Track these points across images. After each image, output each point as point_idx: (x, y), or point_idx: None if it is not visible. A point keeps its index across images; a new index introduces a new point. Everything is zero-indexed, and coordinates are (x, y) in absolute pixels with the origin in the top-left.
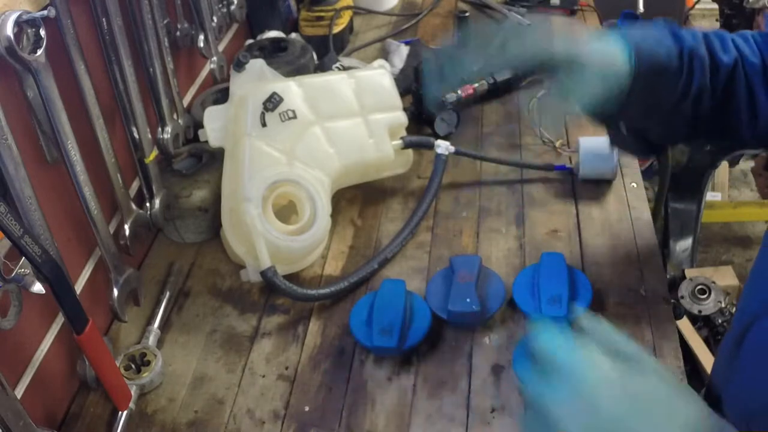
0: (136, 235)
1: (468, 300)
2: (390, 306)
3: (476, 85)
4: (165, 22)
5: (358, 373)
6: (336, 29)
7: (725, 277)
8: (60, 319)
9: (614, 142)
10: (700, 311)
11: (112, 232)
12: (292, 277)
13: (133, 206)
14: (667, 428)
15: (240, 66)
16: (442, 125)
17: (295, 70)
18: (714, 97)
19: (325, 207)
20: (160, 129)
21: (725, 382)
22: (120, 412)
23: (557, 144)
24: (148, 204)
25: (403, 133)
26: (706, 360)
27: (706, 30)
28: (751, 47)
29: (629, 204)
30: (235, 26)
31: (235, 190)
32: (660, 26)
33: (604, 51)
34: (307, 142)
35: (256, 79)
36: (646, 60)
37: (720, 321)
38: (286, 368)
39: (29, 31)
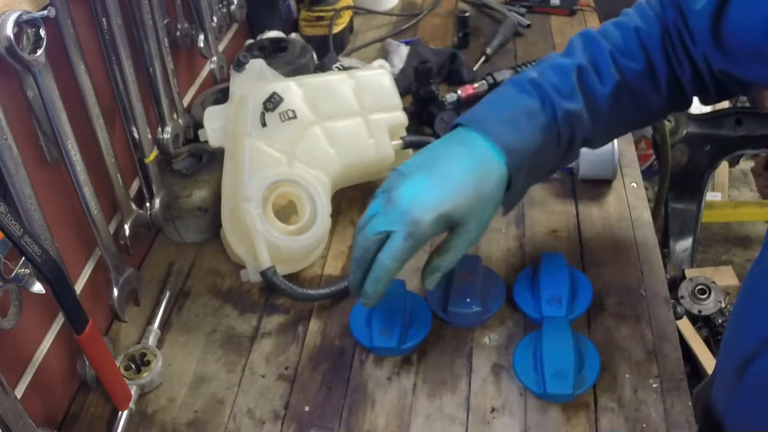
0: (136, 235)
1: (468, 300)
2: (390, 306)
3: (476, 85)
4: (165, 22)
5: (358, 373)
6: (336, 29)
7: (725, 277)
8: (60, 319)
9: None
10: (700, 311)
11: (112, 232)
12: (292, 277)
13: (133, 206)
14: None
15: (240, 66)
16: (442, 125)
17: (295, 70)
18: (601, 127)
19: (325, 207)
20: (160, 129)
21: (727, 408)
22: (120, 412)
23: None
24: (148, 204)
25: (403, 133)
26: (706, 360)
27: (582, 46)
28: (631, 47)
29: (629, 204)
30: (235, 26)
31: (235, 190)
32: (525, 86)
33: (474, 191)
34: (307, 142)
35: (256, 79)
36: (519, 157)
37: (720, 321)
38: (286, 368)
39: (29, 31)
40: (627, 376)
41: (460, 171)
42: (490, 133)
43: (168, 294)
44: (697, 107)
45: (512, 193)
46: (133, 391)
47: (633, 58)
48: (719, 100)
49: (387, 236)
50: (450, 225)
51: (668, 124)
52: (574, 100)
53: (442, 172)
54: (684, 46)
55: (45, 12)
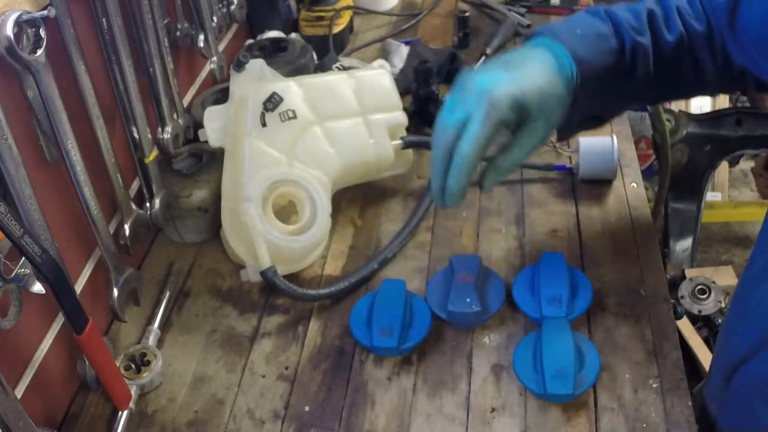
0: (136, 235)
1: (468, 300)
2: (390, 306)
3: None
4: (165, 22)
5: (358, 373)
6: (336, 29)
7: (725, 277)
8: (60, 319)
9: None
10: (700, 311)
11: (112, 232)
12: (292, 277)
13: (133, 206)
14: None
15: (240, 66)
16: None
17: (295, 70)
18: (658, 76)
19: (325, 207)
20: (160, 129)
21: (718, 413)
22: (120, 412)
23: (557, 144)
24: (148, 204)
25: (403, 133)
26: (706, 360)
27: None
28: (696, 12)
29: (629, 204)
30: (235, 26)
31: (235, 190)
32: (600, 14)
33: (547, 85)
34: (307, 142)
35: (256, 79)
36: (587, 71)
37: (720, 321)
38: (286, 368)
39: (29, 31)
40: (627, 376)
41: (535, 66)
42: (563, 41)
43: (168, 294)
44: (697, 107)
45: (574, 111)
46: (133, 391)
47: (697, 19)
48: (758, 90)
49: (465, 125)
50: (522, 117)
51: (668, 124)
52: (644, 35)
53: (517, 66)
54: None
55: (45, 12)
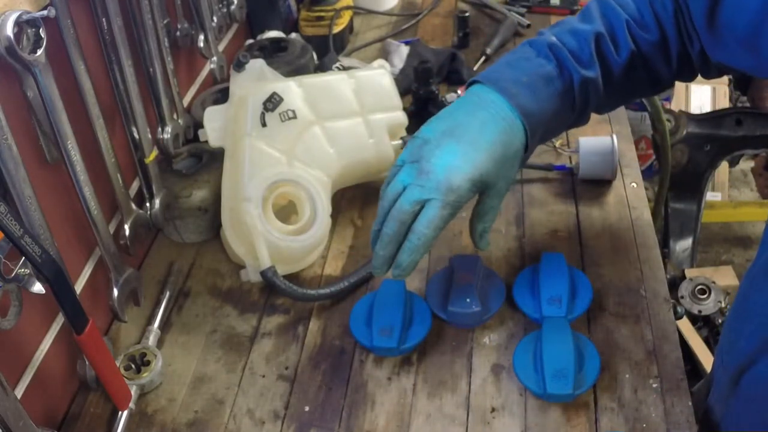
0: (136, 235)
1: (468, 300)
2: (390, 306)
3: None
4: (165, 22)
5: (358, 373)
6: (336, 29)
7: (725, 277)
8: (60, 319)
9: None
10: (700, 311)
11: (112, 232)
12: (292, 277)
13: (133, 206)
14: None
15: (240, 66)
16: None
17: (295, 70)
18: (610, 95)
19: (325, 207)
20: (160, 129)
21: (723, 416)
22: (120, 412)
23: (557, 144)
24: (148, 204)
25: (403, 133)
26: (706, 360)
27: (599, 12)
28: (647, 21)
29: (629, 204)
30: (235, 26)
31: (235, 190)
32: (544, 51)
33: (502, 151)
34: (307, 142)
35: (256, 79)
36: (536, 121)
37: (720, 321)
38: (286, 368)
39: (29, 31)
40: (627, 376)
41: (488, 135)
42: (509, 95)
43: (168, 294)
44: (697, 107)
45: (526, 154)
46: (133, 391)
47: (647, 29)
48: (719, 76)
49: (422, 206)
50: (483, 188)
51: (668, 124)
52: (591, 68)
53: (471, 138)
54: (692, 22)
55: (45, 12)
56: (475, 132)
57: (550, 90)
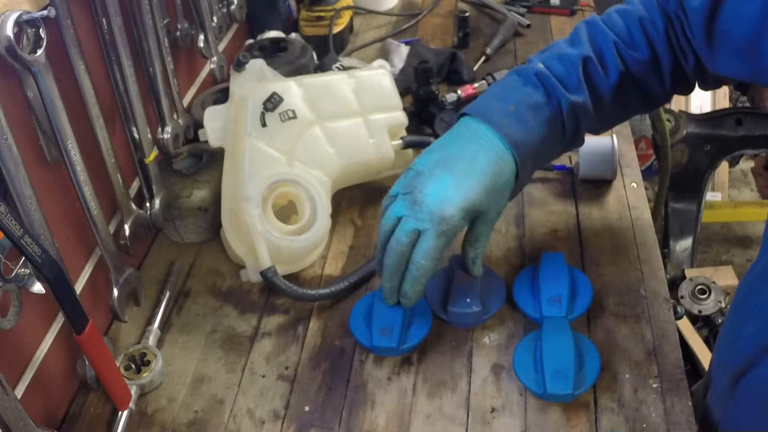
0: (136, 235)
1: (468, 300)
2: (390, 306)
3: (476, 85)
4: (165, 22)
5: (358, 373)
6: (336, 29)
7: (725, 277)
8: (60, 319)
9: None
10: (700, 311)
11: (112, 232)
12: (292, 277)
13: (133, 206)
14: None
15: (240, 66)
16: (442, 125)
17: (295, 70)
18: (603, 117)
19: (325, 207)
20: (160, 129)
21: (722, 418)
22: (120, 412)
23: None
24: (148, 204)
25: (403, 133)
26: (706, 360)
27: (587, 35)
28: (637, 40)
29: (629, 204)
30: (235, 26)
31: (235, 190)
32: (531, 78)
33: (492, 181)
34: (307, 142)
35: (256, 79)
36: (526, 150)
37: (720, 321)
38: (286, 368)
39: (29, 31)
40: (627, 376)
41: (479, 166)
42: (497, 126)
43: (168, 294)
44: (697, 107)
45: (519, 182)
46: (133, 391)
47: (637, 48)
48: (718, 87)
49: (418, 236)
50: (474, 216)
51: (668, 124)
52: (579, 92)
53: (463, 169)
54: (686, 36)
55: (45, 12)
56: (466, 163)
57: (538, 118)
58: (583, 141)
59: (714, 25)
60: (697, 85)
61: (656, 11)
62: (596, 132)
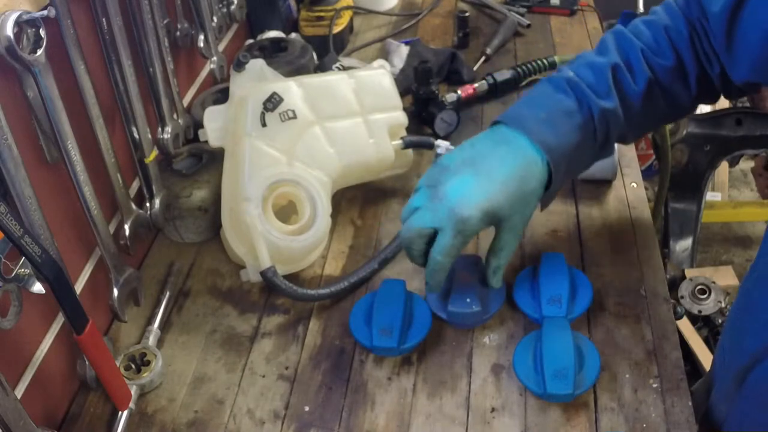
0: (136, 235)
1: (468, 300)
2: (390, 306)
3: (476, 85)
4: (165, 22)
5: (358, 373)
6: (336, 29)
7: (725, 277)
8: (60, 319)
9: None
10: (700, 311)
11: (112, 232)
12: (292, 277)
13: (133, 206)
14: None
15: (240, 66)
16: (442, 125)
17: (295, 70)
18: (633, 124)
19: (325, 207)
20: (160, 129)
21: (727, 416)
22: (120, 412)
23: None
24: (148, 204)
25: (403, 133)
26: (706, 360)
27: (615, 44)
28: (662, 46)
29: (629, 204)
30: (235, 26)
31: (235, 190)
32: (562, 86)
33: (518, 186)
34: (307, 142)
35: (256, 79)
36: (559, 155)
37: (720, 321)
38: (286, 368)
39: (29, 31)
40: (627, 376)
41: (505, 169)
42: (530, 132)
43: (168, 294)
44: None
45: (551, 189)
46: (133, 391)
47: (663, 55)
48: (742, 96)
49: (434, 231)
50: (495, 221)
51: (668, 124)
52: (609, 99)
53: (487, 170)
54: (710, 43)
55: (45, 12)
56: (493, 164)
57: (570, 123)
58: (613, 149)
59: (734, 31)
60: (722, 94)
61: (680, 19)
62: (625, 140)
